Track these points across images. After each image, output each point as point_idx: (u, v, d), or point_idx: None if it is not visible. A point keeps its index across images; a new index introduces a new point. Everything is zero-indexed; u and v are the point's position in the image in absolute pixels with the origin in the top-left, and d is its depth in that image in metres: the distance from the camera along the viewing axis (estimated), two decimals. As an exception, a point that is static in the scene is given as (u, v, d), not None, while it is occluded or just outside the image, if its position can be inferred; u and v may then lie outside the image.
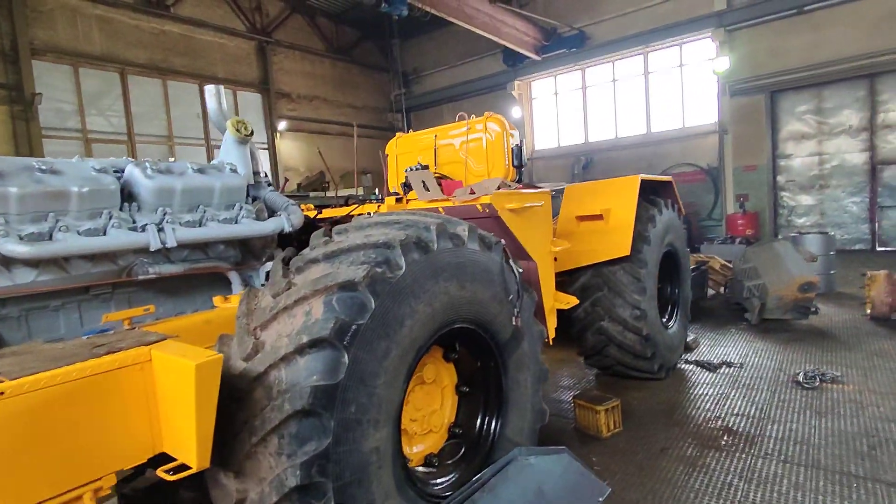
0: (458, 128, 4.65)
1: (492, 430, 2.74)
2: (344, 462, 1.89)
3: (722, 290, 8.28)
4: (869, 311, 6.44)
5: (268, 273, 2.88)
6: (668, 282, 5.40)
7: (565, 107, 18.32)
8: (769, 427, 3.86)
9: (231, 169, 2.83)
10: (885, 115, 12.96)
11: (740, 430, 3.87)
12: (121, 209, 2.38)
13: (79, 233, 2.20)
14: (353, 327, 1.94)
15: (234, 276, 2.82)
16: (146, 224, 2.39)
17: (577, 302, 3.99)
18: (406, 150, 5.18)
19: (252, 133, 3.04)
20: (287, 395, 1.83)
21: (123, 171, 2.47)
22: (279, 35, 17.74)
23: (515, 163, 4.24)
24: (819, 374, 4.70)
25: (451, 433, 2.77)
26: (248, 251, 2.97)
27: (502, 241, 2.73)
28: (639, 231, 4.59)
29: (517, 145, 4.26)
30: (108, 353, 1.71)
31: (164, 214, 2.46)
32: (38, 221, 2.15)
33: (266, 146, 17.33)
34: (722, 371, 5.16)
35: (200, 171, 2.68)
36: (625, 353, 4.76)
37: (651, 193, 5.13)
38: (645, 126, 16.61)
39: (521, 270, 2.70)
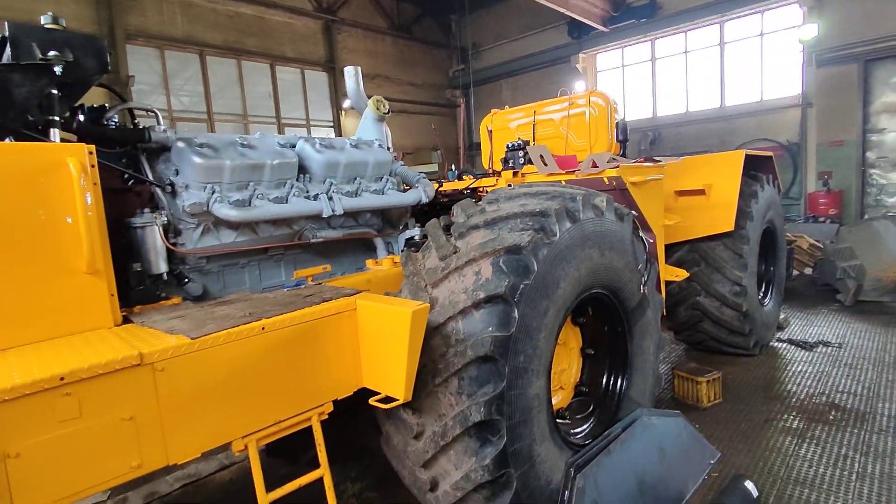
0: (558, 102, 4.74)
1: (617, 390, 2.92)
2: (514, 404, 2.13)
3: (808, 270, 8.00)
4: (979, 295, 6.10)
5: (406, 240, 3.15)
6: (765, 259, 5.33)
7: (632, 80, 17.74)
8: (880, 405, 3.84)
9: (379, 145, 3.10)
10: None
11: (849, 406, 3.87)
12: (297, 180, 2.69)
13: (269, 200, 2.52)
14: (521, 286, 2.15)
15: (379, 243, 3.11)
16: (317, 194, 2.69)
17: (687, 275, 4.06)
18: (502, 126, 5.32)
19: (389, 111, 3.28)
20: (468, 342, 2.07)
21: (294, 146, 2.77)
22: (343, 14, 18.04)
23: (620, 137, 4.29)
24: (929, 355, 4.57)
25: (576, 391, 2.98)
26: (387, 220, 3.25)
27: (633, 212, 2.86)
28: (741, 207, 4.56)
29: (622, 120, 4.31)
30: (323, 302, 2.00)
31: (331, 185, 2.76)
32: (242, 190, 2.47)
33: (332, 124, 17.85)
34: (819, 350, 5.09)
35: (355, 146, 2.95)
36: (720, 328, 4.78)
37: (752, 168, 5.05)
38: (718, 100, 15.87)
39: (651, 241, 2.83)
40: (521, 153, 4.56)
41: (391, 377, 1.93)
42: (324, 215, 2.66)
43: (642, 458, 2.77)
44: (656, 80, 17.13)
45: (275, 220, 2.59)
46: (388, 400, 1.97)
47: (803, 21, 13.66)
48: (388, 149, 3.43)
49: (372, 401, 1.95)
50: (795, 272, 8.17)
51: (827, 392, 4.13)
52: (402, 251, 2.67)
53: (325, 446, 1.97)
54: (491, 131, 5.24)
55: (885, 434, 3.43)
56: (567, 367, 2.96)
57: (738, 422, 3.77)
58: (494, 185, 3.74)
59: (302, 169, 2.75)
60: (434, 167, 10.99)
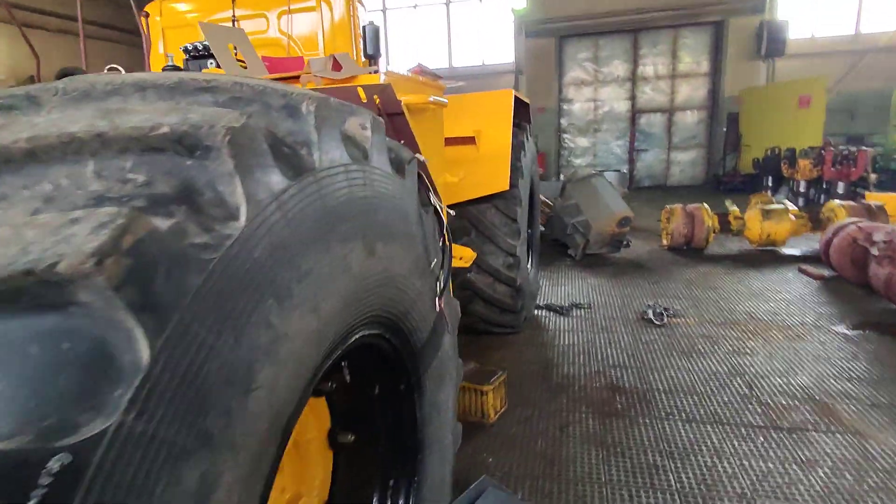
0: (270, -11, 2.94)
1: (402, 502, 1.54)
2: None
3: (540, 228, 8.28)
4: (666, 243, 7.03)
5: None
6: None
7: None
8: (651, 378, 3.55)
9: None
10: (642, 68, 14.86)
11: (627, 386, 3.46)
12: None
13: None
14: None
15: None
16: None
17: (475, 257, 2.95)
18: (176, 23, 3.22)
19: None
20: None
21: None
22: None
23: (369, 50, 2.81)
24: (662, 309, 4.71)
25: (327, 521, 1.48)
26: None
27: (418, 157, 1.43)
28: (511, 162, 3.71)
29: (371, 24, 2.83)
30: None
31: None
32: None
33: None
34: (574, 314, 4.85)
35: None
36: (492, 308, 3.98)
37: (515, 115, 4.28)
38: (447, 60, 16.09)
39: (452, 213, 1.48)
40: (209, 62, 2.66)
41: None
42: None
43: None
44: (387, 33, 16.35)
45: None
46: None
47: (515, -9, 14.65)
48: None
49: None
50: (528, 229, 8.42)
51: (601, 370, 3.71)
52: None
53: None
54: (158, 20, 3.03)
55: (672, 420, 3.04)
56: (306, 474, 1.43)
57: (533, 438, 2.94)
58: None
59: None
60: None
